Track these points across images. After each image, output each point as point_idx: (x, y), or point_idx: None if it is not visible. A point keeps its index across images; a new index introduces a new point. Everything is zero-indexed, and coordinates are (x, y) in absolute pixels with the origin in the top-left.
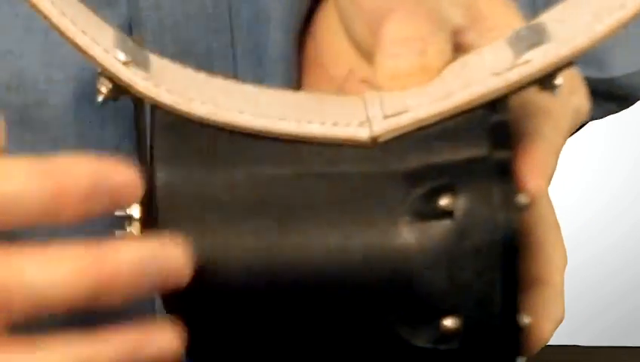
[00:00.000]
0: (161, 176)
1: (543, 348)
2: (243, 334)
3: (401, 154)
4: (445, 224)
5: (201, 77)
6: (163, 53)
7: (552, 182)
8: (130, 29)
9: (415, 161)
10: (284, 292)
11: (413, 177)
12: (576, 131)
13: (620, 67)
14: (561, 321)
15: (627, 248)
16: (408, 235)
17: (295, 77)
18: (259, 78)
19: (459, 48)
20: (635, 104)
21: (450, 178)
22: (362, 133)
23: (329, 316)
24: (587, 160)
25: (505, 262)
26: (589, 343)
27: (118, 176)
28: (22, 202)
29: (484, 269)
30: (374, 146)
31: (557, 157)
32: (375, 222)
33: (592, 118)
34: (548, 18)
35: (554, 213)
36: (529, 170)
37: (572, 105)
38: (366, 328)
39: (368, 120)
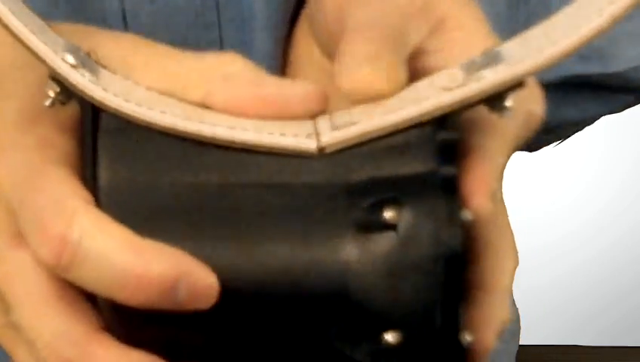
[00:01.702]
0: (104, 176)
1: (543, 348)
2: (179, 343)
3: (348, 166)
4: (388, 236)
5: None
6: None
7: (508, 187)
8: (125, 22)
9: (361, 173)
10: (222, 303)
11: (359, 190)
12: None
13: (625, 61)
14: (504, 324)
15: (627, 248)
16: (351, 248)
17: (280, 76)
18: None
19: (420, 70)
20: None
21: (395, 192)
22: (309, 144)
23: (269, 327)
24: (587, 160)
25: (447, 278)
26: (589, 343)
27: (201, 278)
28: (107, 265)
29: (426, 284)
30: (321, 157)
31: (502, 170)
32: (318, 234)
33: (611, 112)
34: (504, 47)
35: (506, 217)
36: (473, 187)
37: (521, 112)
38: (306, 340)
39: (316, 131)
